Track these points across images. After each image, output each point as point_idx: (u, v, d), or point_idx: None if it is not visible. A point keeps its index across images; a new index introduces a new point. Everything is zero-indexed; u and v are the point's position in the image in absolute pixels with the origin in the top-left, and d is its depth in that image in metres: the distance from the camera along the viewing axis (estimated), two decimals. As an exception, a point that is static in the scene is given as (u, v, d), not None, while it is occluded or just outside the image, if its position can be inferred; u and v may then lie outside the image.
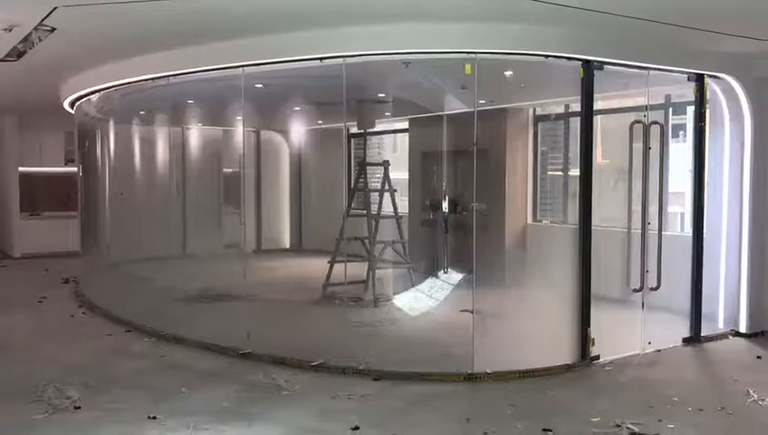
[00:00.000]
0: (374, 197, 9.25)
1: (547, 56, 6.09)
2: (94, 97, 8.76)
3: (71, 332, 7.81)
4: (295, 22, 5.79)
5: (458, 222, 9.51)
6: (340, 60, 6.09)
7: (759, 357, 6.69)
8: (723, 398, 5.52)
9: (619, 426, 4.81)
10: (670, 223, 8.66)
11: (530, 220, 10.19)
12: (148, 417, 5.00)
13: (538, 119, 10.33)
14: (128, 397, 5.45)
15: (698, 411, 5.17)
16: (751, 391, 5.55)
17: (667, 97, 8.87)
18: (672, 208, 8.67)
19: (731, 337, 7.39)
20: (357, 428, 4.81)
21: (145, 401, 5.35)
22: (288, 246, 13.85)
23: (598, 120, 9.49)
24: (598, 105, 8.88)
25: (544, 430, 4.79)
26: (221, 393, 5.55)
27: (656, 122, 6.78)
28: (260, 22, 5.80)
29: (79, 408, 5.19)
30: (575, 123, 8.35)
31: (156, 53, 7.01)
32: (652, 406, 5.25)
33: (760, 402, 5.35)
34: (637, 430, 4.75)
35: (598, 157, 9.50)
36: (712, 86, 7.42)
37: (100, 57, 7.50)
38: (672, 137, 8.91)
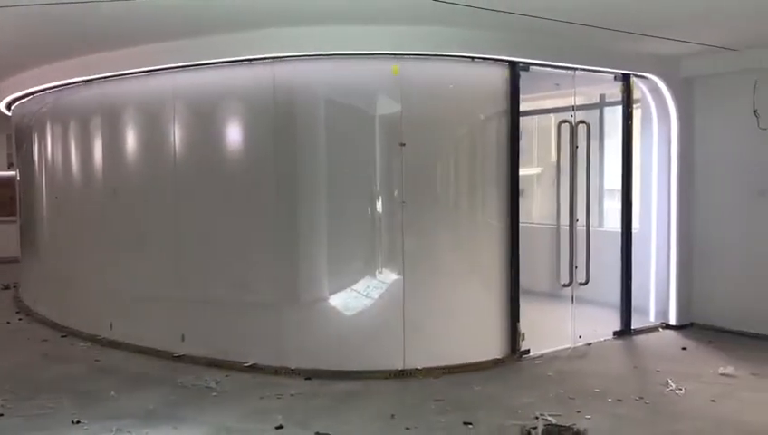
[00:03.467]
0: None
1: (473, 58, 6.19)
2: (30, 99, 8.64)
3: (5, 338, 7.70)
4: (224, 24, 5.79)
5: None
6: (269, 62, 6.12)
7: (684, 348, 6.90)
8: (643, 388, 5.69)
9: (537, 418, 4.93)
10: (609, 219, 8.87)
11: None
12: (72, 422, 4.98)
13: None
14: (54, 402, 5.39)
15: (617, 402, 5.33)
16: (670, 381, 5.74)
17: (602, 96, 9.10)
18: (613, 205, 8.86)
19: (661, 330, 7.61)
20: (281, 427, 4.86)
21: (71, 406, 5.31)
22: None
23: (535, 120, 9.75)
24: (533, 105, 9.13)
25: (465, 423, 4.89)
26: (150, 396, 5.55)
27: (582, 122, 6.94)
28: (189, 24, 5.79)
29: (1, 415, 5.13)
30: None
31: (88, 55, 6.95)
32: (573, 398, 5.40)
33: (677, 392, 5.54)
34: (554, 421, 4.88)
35: (535, 155, 9.71)
36: (640, 86, 7.63)
37: (32, 59, 7.41)
38: (611, 136, 9.13)
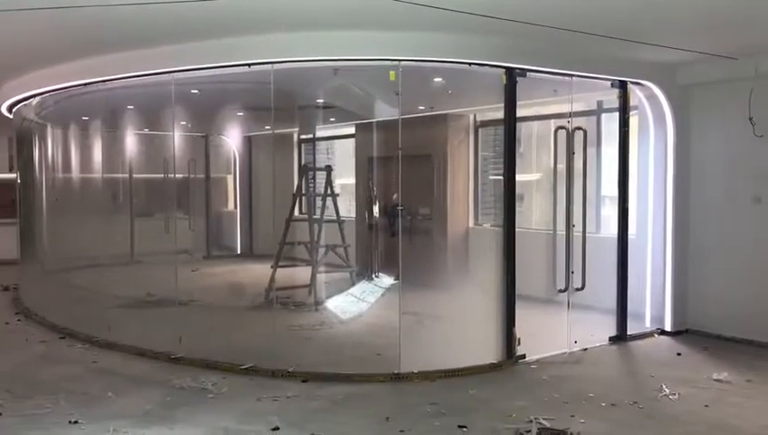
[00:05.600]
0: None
1: (470, 64, 6.24)
2: (30, 101, 8.70)
3: (4, 339, 7.75)
4: (224, 28, 5.85)
5: (405, 226, 9.62)
6: (269, 66, 6.17)
7: (679, 354, 6.94)
8: (637, 393, 5.72)
9: (531, 422, 4.96)
10: (607, 225, 8.90)
11: (472, 224, 10.36)
12: (69, 422, 5.02)
13: (480, 124, 10.53)
14: (52, 403, 5.44)
15: (611, 407, 5.36)
16: (664, 386, 5.77)
17: (599, 103, 9.15)
18: (611, 211, 8.89)
19: (656, 335, 7.64)
20: (277, 428, 4.89)
21: (69, 407, 5.35)
22: (239, 251, 13.84)
23: (535, 126, 9.79)
24: (532, 111, 9.16)
25: (460, 426, 4.92)
26: (147, 397, 5.58)
27: (579, 128, 6.98)
28: (189, 28, 5.85)
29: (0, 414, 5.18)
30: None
31: (88, 58, 7.01)
32: (567, 402, 5.44)
33: (671, 397, 5.57)
34: (548, 424, 4.91)
35: (533, 161, 9.76)
36: (637, 93, 7.67)
37: (34, 62, 7.47)
38: (609, 143, 9.16)
